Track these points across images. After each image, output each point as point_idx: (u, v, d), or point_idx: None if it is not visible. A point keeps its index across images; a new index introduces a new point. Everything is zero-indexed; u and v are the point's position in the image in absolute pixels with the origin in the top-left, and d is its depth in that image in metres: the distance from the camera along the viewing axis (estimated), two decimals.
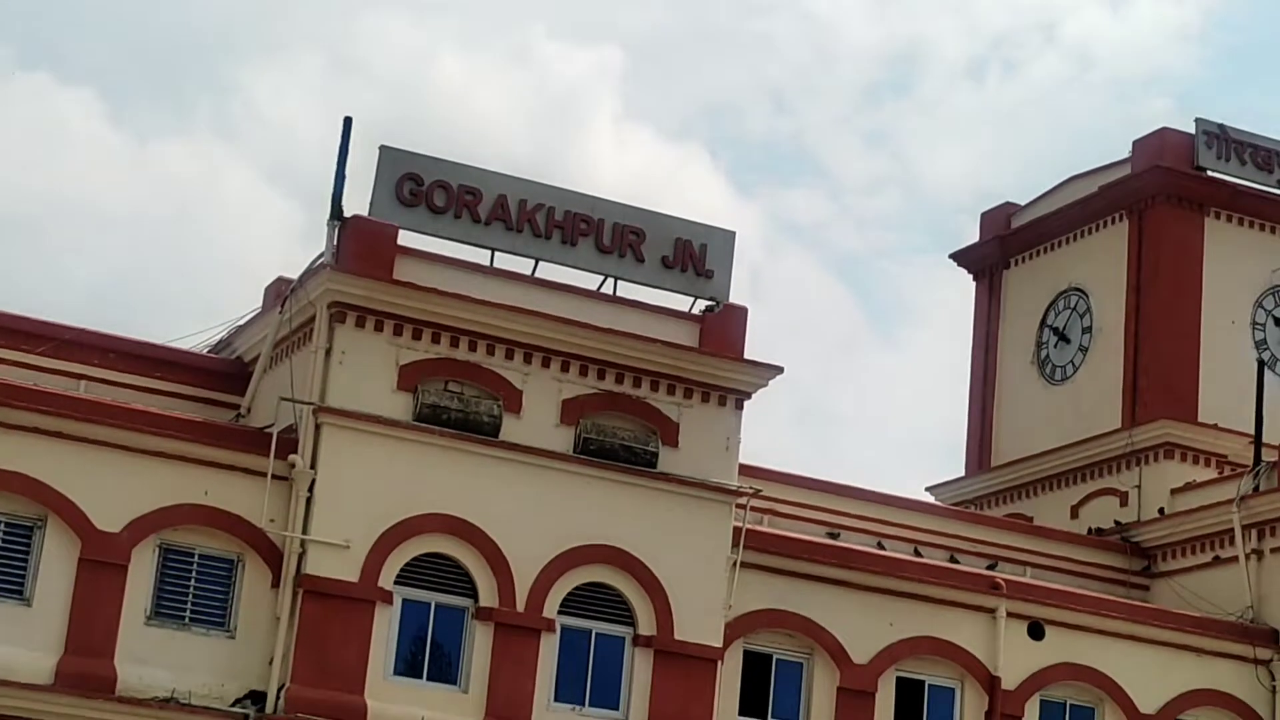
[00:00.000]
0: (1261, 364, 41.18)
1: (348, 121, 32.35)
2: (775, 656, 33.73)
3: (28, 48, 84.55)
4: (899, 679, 34.40)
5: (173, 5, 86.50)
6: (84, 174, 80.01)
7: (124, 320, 74.48)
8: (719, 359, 32.85)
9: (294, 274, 32.93)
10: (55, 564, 29.22)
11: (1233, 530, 37.60)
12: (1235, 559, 37.59)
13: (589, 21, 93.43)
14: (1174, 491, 40.27)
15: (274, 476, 30.21)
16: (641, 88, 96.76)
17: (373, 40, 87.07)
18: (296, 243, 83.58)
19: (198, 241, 79.17)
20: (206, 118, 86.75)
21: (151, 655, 29.38)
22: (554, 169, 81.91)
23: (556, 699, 31.33)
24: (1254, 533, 37.48)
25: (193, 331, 36.65)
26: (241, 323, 35.31)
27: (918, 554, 37.02)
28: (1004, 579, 35.91)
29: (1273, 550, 37.18)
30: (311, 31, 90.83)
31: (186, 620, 29.93)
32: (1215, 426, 41.29)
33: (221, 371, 34.87)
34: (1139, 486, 41.22)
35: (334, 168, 31.61)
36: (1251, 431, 39.18)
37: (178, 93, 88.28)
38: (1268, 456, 38.07)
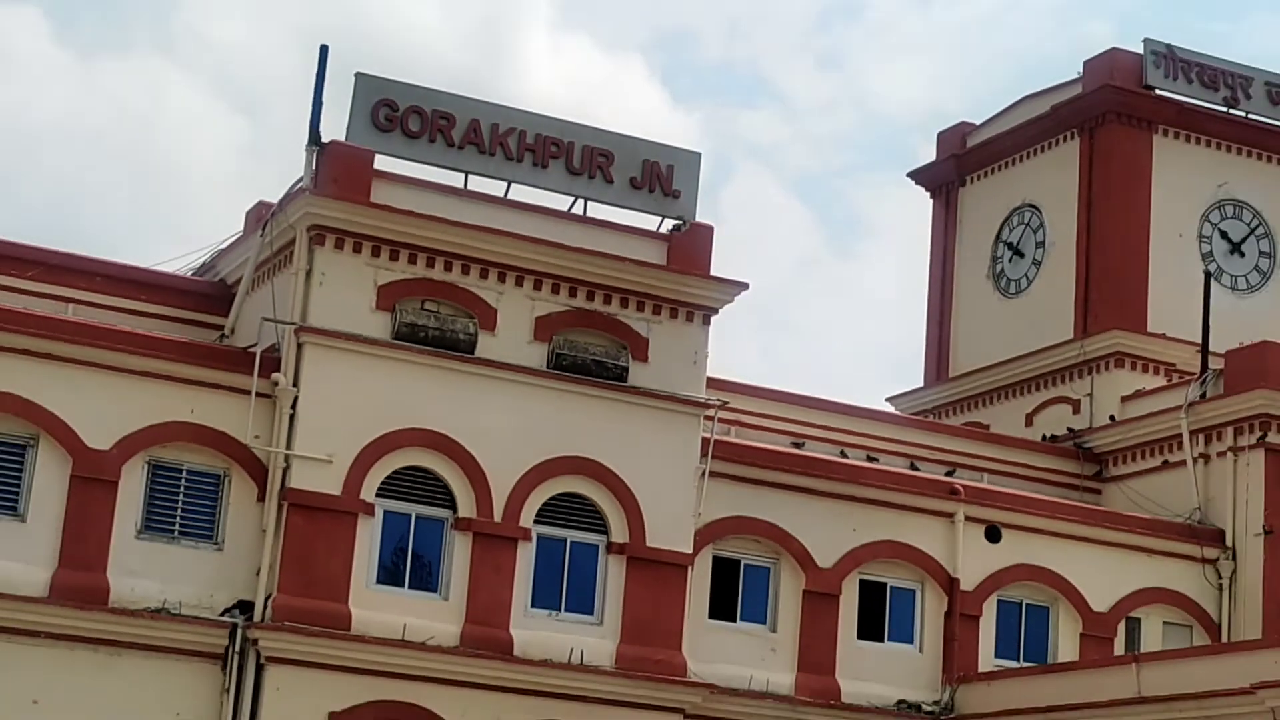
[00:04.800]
0: (1208, 275, 41.29)
1: (324, 50, 32.15)
2: (743, 562, 33.90)
3: None
4: (862, 581, 34.63)
5: None
6: (30, 91, 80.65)
7: (74, 236, 75.14)
8: (686, 276, 32.84)
9: (271, 197, 33.08)
10: (48, 481, 29.28)
11: (1181, 435, 37.79)
12: (1183, 463, 37.77)
13: None
14: (1124, 399, 40.39)
15: (258, 394, 30.20)
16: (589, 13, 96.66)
17: None
18: (245, 157, 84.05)
19: (145, 156, 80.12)
20: (147, 34, 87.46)
21: (142, 568, 29.50)
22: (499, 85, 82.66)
23: (534, 605, 31.47)
24: (1201, 438, 37.69)
25: (173, 256, 36.86)
26: (223, 246, 35.22)
27: (878, 462, 37.06)
28: (962, 485, 36.17)
29: (1219, 454, 37.38)
30: None
31: (176, 534, 30.01)
32: (1164, 336, 41.35)
33: (205, 293, 34.75)
34: (1091, 395, 41.33)
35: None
36: (1199, 340, 39.37)
37: (118, 10, 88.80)
38: (1214, 365, 38.22)
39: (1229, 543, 36.74)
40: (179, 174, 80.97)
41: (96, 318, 31.52)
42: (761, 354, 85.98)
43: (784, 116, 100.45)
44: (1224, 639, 35.75)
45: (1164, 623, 36.47)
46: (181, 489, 30.13)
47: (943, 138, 48.52)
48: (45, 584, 28.75)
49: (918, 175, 48.92)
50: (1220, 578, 36.62)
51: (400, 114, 31.51)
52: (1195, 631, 36.40)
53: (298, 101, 31.33)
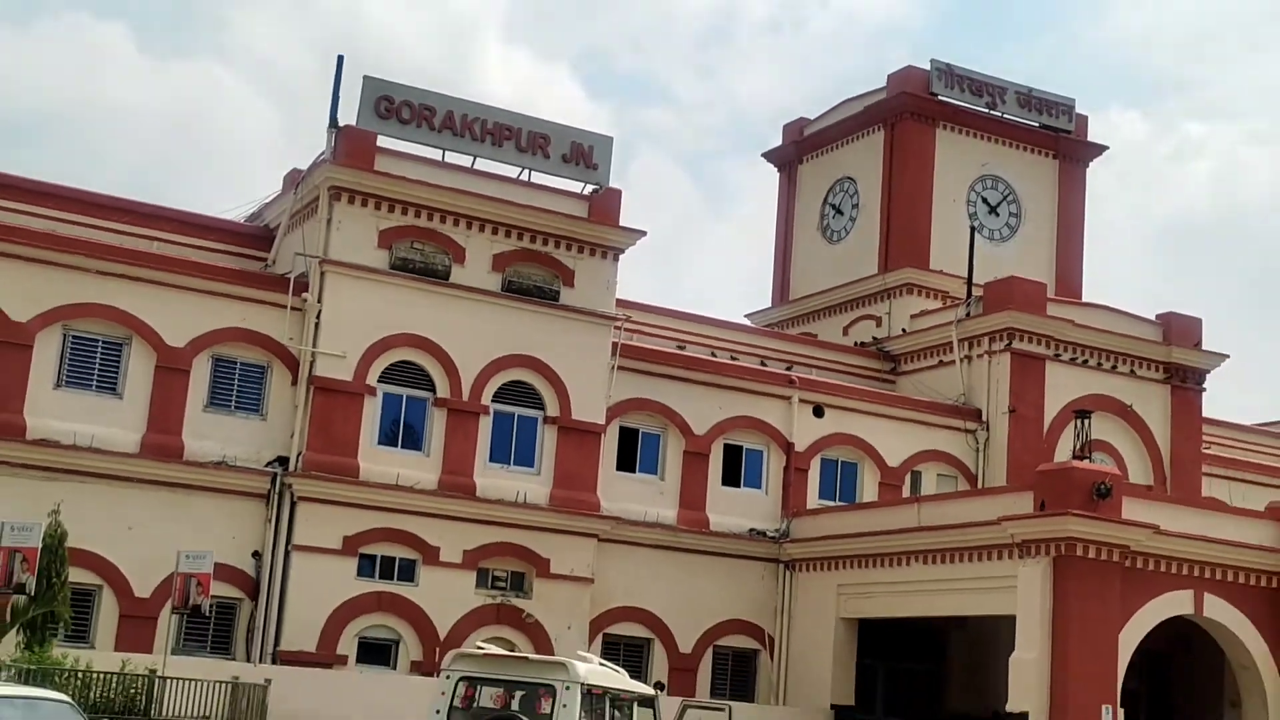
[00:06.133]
0: (973, 229, 41.21)
1: (340, 59, 32.11)
2: (641, 430, 33.89)
3: None
4: (725, 445, 34.68)
5: None
6: (119, 87, 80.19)
7: (156, 191, 74.99)
8: (602, 226, 32.68)
9: (301, 165, 32.67)
10: (138, 369, 29.11)
11: (952, 343, 37.87)
12: (953, 362, 37.82)
13: None
14: (913, 316, 40.38)
15: (292, 308, 30.08)
16: (545, 32, 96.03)
17: None
18: (281, 136, 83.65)
19: (207, 135, 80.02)
20: (207, 44, 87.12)
21: (208, 432, 29.41)
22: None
23: (491, 460, 31.45)
24: (966, 344, 37.75)
25: (230, 208, 36.52)
26: (267, 200, 34.73)
27: (738, 359, 36.97)
28: (796, 376, 36.27)
29: (978, 356, 37.44)
30: None
31: (232, 408, 29.91)
32: (941, 272, 41.40)
33: (253, 235, 34.24)
34: (889, 313, 41.30)
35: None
36: (966, 275, 39.31)
37: (185, 25, 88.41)
38: (976, 293, 38.27)
39: (984, 418, 36.93)
40: (232, 148, 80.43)
41: (174, 251, 31.11)
42: (656, 282, 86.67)
43: (674, 112, 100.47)
44: (979, 485, 36.07)
45: (938, 474, 36.68)
46: (236, 375, 29.96)
47: (786, 129, 48.18)
48: (137, 443, 28.68)
49: (768, 156, 48.52)
50: (977, 443, 36.86)
51: (396, 106, 31.17)
52: (959, 480, 36.64)
53: (320, 95, 31.08)
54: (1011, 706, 27.28)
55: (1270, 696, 29.02)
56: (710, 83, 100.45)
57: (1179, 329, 39.10)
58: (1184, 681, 33.14)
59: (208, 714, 24.41)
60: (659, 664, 32.67)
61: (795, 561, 34.03)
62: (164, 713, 23.78)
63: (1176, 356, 38.83)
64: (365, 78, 31.18)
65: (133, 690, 23.65)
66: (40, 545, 23.03)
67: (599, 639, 31.97)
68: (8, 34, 78.78)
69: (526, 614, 30.90)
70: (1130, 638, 27.75)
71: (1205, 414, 40.13)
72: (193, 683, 24.23)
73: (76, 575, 25.77)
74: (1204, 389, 39.56)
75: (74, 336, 28.74)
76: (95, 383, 28.85)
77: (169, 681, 23.94)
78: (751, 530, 34.30)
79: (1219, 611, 28.92)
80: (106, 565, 27.93)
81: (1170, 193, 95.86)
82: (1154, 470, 38.25)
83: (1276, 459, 44.71)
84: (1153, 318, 39.40)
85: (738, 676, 33.83)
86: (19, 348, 28.14)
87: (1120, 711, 27.14)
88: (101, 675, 23.49)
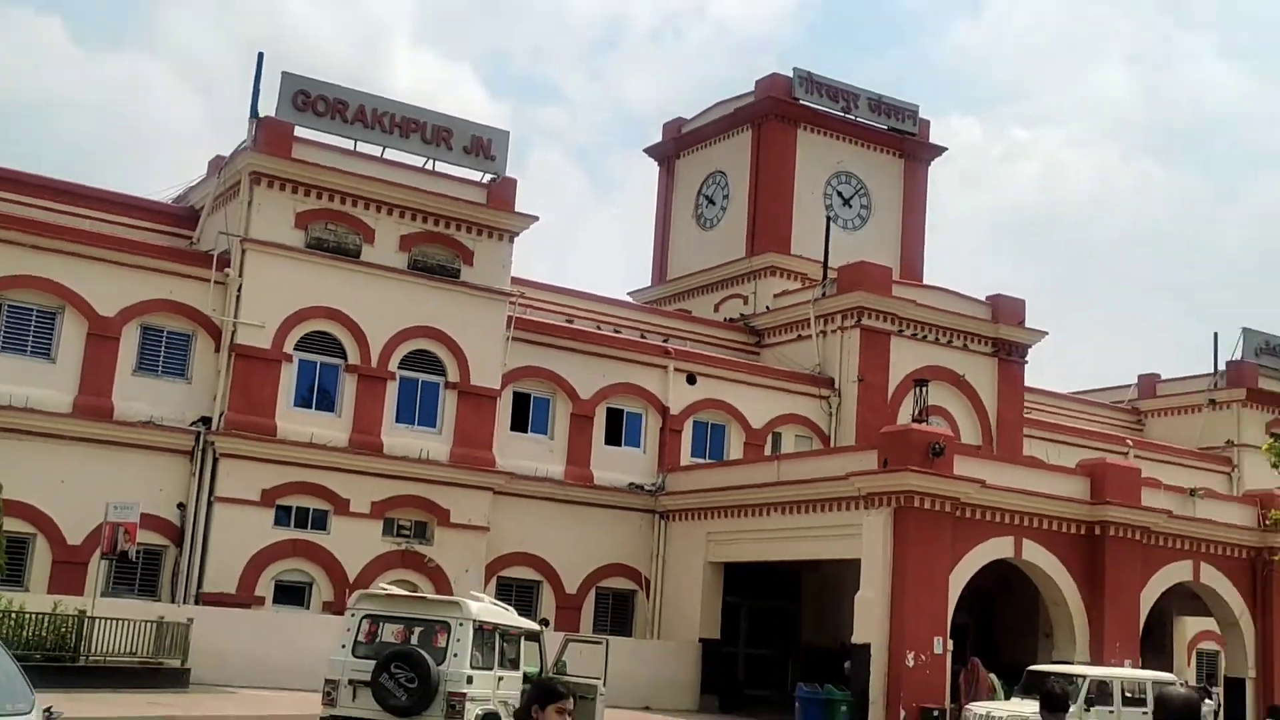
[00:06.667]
0: (828, 219, 41.64)
1: (260, 55, 31.55)
2: (532, 395, 33.78)
3: None
4: (609, 408, 34.69)
5: None
6: (54, 76, 79.05)
7: (91, 173, 73.95)
8: (499, 211, 32.51)
9: (224, 152, 32.32)
10: (71, 336, 28.54)
11: (809, 319, 38.16)
12: (811, 336, 38.11)
13: None
14: (776, 295, 40.60)
15: (215, 282, 29.60)
16: (450, 45, 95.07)
17: None
18: (206, 125, 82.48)
19: (137, 122, 79.13)
20: (136, 38, 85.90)
21: (137, 394, 28.91)
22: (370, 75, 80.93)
23: (397, 421, 31.24)
24: (822, 320, 38.04)
25: (159, 190, 36.14)
26: (193, 184, 34.21)
27: (620, 332, 36.94)
28: (672, 348, 36.31)
29: (832, 331, 37.74)
30: None
31: (159, 372, 29.40)
32: (801, 257, 41.67)
33: (180, 215, 33.60)
34: (755, 293, 41.50)
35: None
36: (822, 259, 39.70)
37: (115, 20, 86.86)
38: (830, 276, 38.57)
39: (836, 386, 37.24)
40: (161, 135, 79.04)
41: (106, 229, 30.44)
42: (548, 262, 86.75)
43: (566, 111, 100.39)
44: (831, 445, 36.25)
45: (795, 435, 36.94)
46: (163, 343, 29.46)
47: (666, 127, 48.07)
48: (70, 404, 28.14)
49: (650, 151, 48.41)
50: (830, 408, 37.15)
51: (312, 99, 30.77)
52: (814, 440, 36.91)
53: (242, 88, 30.67)
54: (857, 639, 27.75)
55: (1077, 628, 29.76)
56: (599, 85, 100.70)
57: (1005, 309, 39.80)
58: (1005, 616, 33.88)
59: (134, 650, 24.22)
60: (548, 603, 32.74)
61: (669, 512, 34.21)
62: (93, 650, 23.62)
63: (1003, 333, 39.50)
64: (284, 73, 30.76)
65: (63, 629, 23.45)
66: None
67: (494, 581, 31.95)
68: None
69: (428, 559, 30.81)
70: (959, 578, 28.26)
71: (1027, 383, 40.94)
72: (120, 622, 24.12)
73: (12, 524, 25.33)
74: (1026, 361, 40.33)
75: (10, 306, 28.09)
76: (30, 348, 28.22)
77: (98, 621, 23.77)
78: (631, 484, 34.37)
79: (1035, 555, 29.53)
80: (40, 515, 27.39)
81: (1001, 189, 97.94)
82: (982, 432, 38.98)
83: (1087, 422, 45.93)
84: (983, 299, 40.02)
85: (617, 614, 34.03)
86: None
87: (950, 642, 27.67)
88: (34, 616, 23.22)
